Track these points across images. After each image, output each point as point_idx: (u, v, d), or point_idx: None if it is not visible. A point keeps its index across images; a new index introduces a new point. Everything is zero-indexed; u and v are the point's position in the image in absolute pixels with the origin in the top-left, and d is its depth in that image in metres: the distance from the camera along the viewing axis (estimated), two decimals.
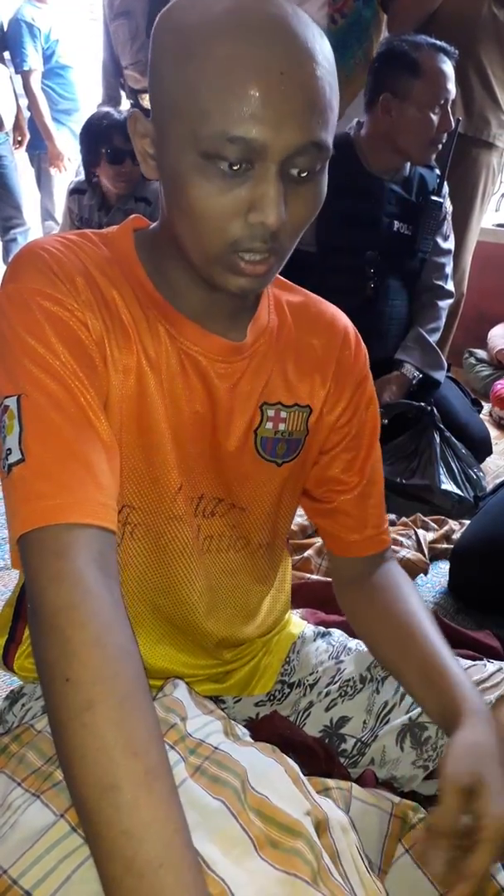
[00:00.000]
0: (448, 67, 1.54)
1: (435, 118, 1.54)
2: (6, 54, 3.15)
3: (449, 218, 1.78)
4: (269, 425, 0.68)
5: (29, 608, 0.50)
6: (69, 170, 3.29)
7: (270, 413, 0.68)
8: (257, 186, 0.51)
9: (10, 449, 0.52)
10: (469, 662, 0.80)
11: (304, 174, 0.53)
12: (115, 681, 0.46)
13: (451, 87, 1.55)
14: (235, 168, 0.51)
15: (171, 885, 0.41)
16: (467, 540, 1.42)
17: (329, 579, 1.28)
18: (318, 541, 1.47)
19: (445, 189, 1.73)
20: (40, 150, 3.27)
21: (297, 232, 0.56)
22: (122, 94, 2.67)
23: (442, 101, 1.54)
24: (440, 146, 1.60)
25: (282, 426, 0.69)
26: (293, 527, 1.47)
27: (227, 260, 0.54)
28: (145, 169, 0.58)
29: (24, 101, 3.21)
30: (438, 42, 1.55)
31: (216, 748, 0.59)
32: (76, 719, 0.44)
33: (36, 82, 3.14)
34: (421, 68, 1.51)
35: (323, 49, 0.51)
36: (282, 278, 0.72)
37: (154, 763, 0.45)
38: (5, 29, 3.10)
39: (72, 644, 0.46)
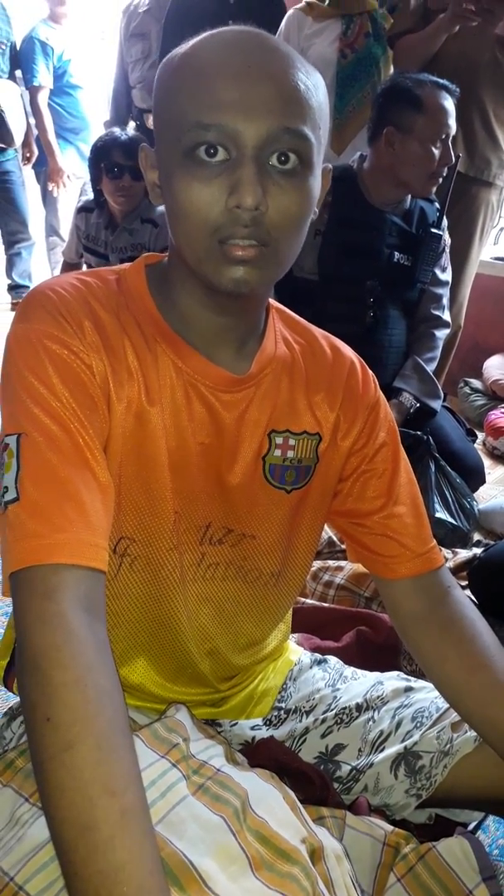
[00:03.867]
0: (449, 104, 1.59)
1: (436, 152, 1.59)
2: (18, 72, 3.20)
3: (447, 250, 1.81)
4: (278, 452, 0.70)
5: (16, 645, 0.51)
6: (68, 187, 3.33)
7: (279, 440, 0.69)
8: (234, 172, 0.53)
9: (6, 487, 0.53)
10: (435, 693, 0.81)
11: (285, 165, 0.54)
12: (94, 721, 0.46)
13: (452, 122, 1.60)
14: (213, 157, 0.54)
15: None
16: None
17: (324, 604, 1.29)
18: (314, 565, 1.47)
19: (445, 222, 1.77)
20: (46, 167, 3.30)
21: (284, 226, 0.56)
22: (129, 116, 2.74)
23: (443, 136, 1.59)
24: (440, 179, 1.65)
25: (290, 453, 0.70)
26: None
27: (216, 252, 0.56)
28: (153, 197, 0.63)
29: (33, 120, 3.26)
30: (441, 80, 1.60)
31: (218, 770, 0.59)
32: (56, 759, 0.45)
33: (43, 99, 3.18)
34: (424, 104, 1.57)
35: (298, 57, 0.56)
36: (286, 311, 0.74)
37: (131, 803, 0.45)
38: (19, 47, 3.15)
39: (53, 685, 0.47)
